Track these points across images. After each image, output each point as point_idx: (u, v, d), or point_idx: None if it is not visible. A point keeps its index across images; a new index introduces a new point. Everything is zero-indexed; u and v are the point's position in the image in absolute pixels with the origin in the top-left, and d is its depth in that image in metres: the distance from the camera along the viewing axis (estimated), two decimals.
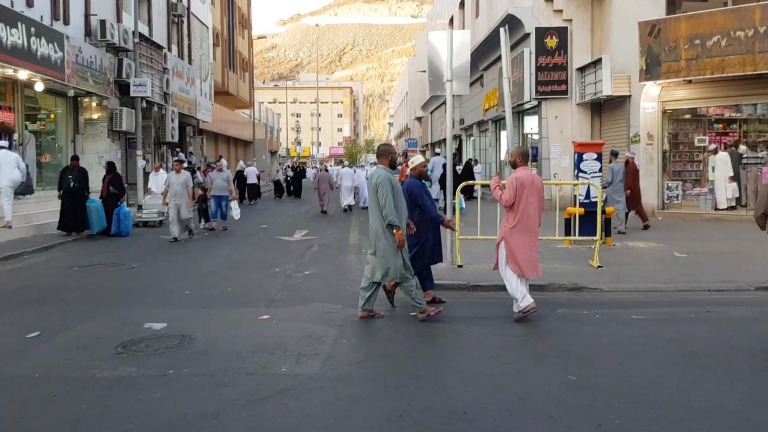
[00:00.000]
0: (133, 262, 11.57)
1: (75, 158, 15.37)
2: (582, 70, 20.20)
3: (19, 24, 14.61)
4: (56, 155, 19.62)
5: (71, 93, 17.88)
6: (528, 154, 7.51)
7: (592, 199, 12.14)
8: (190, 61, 29.73)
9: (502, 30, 10.76)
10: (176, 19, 28.04)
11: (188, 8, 29.32)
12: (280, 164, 64.82)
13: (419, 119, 55.71)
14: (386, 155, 7.28)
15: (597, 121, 20.87)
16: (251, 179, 28.65)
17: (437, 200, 21.56)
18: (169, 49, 26.59)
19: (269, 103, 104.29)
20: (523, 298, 7.06)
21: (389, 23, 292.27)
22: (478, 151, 30.95)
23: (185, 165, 19.68)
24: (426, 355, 5.89)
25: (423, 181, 7.92)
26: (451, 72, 10.06)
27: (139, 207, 19.23)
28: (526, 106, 22.54)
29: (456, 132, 35.04)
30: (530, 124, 23.81)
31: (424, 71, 51.27)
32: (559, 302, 8.02)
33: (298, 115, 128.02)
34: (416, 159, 7.96)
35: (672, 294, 8.47)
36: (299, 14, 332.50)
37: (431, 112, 46.82)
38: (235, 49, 45.75)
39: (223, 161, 27.28)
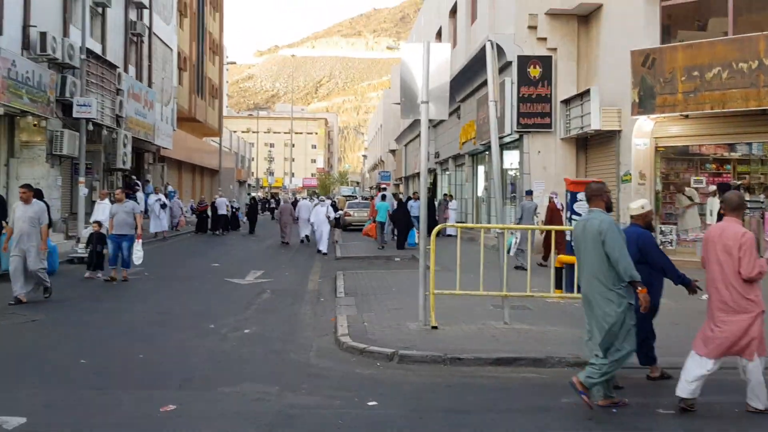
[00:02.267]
0: (37, 312, 9.56)
1: None
2: (567, 102, 18.79)
3: None
4: None
5: (0, 111, 15.89)
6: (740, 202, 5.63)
7: None
8: (149, 84, 27.86)
9: (488, 45, 9.17)
10: (135, 38, 26.24)
11: (150, 27, 27.55)
12: (248, 194, 62.94)
13: (393, 152, 54.33)
14: (600, 195, 5.68)
15: (583, 157, 19.41)
16: (221, 210, 28.15)
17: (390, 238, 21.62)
18: (126, 70, 24.73)
19: (243, 132, 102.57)
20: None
21: (366, 57, 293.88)
22: (454, 186, 29.40)
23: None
24: None
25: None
26: (427, 93, 8.39)
27: (78, 240, 17.17)
28: (507, 139, 21.02)
29: (431, 166, 33.52)
30: (510, 158, 22.29)
31: (398, 103, 50.12)
32: (562, 385, 6.25)
33: (271, 145, 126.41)
34: (641, 203, 6.53)
35: None
36: (277, 46, 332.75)
37: (405, 145, 45.39)
38: (205, 74, 44.06)
39: (151, 185, 25.85)
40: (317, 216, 20.75)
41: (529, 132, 19.18)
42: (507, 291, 8.35)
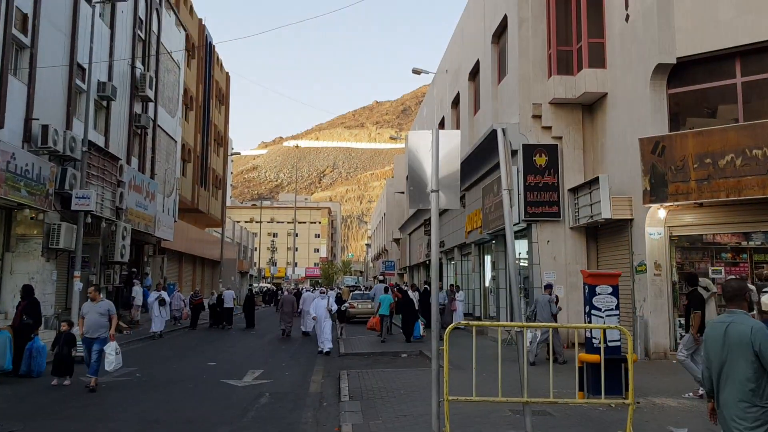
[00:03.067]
0: (14, 422, 8.75)
1: None
2: (575, 191, 18.43)
3: None
4: None
5: None
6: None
7: (610, 344, 9.77)
8: (152, 175, 27.76)
9: (499, 131, 8.78)
10: (139, 131, 26.32)
11: (154, 120, 27.75)
12: (250, 285, 62.18)
13: (397, 241, 53.95)
14: (743, 294, 4.85)
15: (593, 246, 18.86)
16: (228, 303, 27.52)
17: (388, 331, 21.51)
18: (129, 162, 24.67)
19: (246, 222, 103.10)
20: None
21: (368, 147, 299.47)
22: (460, 276, 28.72)
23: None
24: None
25: None
26: (437, 181, 7.92)
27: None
28: (514, 228, 20.55)
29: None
30: (518, 248, 21.76)
31: (402, 192, 49.86)
32: None
33: (274, 235, 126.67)
34: None
35: None
36: (281, 137, 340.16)
37: (409, 234, 45.01)
38: (209, 165, 44.33)
39: (150, 278, 24.98)
40: (318, 310, 18.43)
41: (537, 221, 18.73)
42: (528, 396, 7.57)
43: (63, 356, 12.15)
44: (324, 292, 19.08)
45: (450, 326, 7.84)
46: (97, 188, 20.17)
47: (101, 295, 16.84)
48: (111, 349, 11.69)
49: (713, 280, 15.43)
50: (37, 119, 17.31)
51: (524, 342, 7.78)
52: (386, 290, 23.29)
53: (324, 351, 17.26)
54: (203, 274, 47.31)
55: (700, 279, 15.46)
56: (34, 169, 16.72)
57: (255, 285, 67.03)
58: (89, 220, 19.40)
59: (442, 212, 29.56)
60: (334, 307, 18.71)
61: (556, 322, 15.02)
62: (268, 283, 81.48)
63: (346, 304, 25.90)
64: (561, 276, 18.27)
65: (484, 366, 8.01)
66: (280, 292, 52.37)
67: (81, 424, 8.75)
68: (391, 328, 21.85)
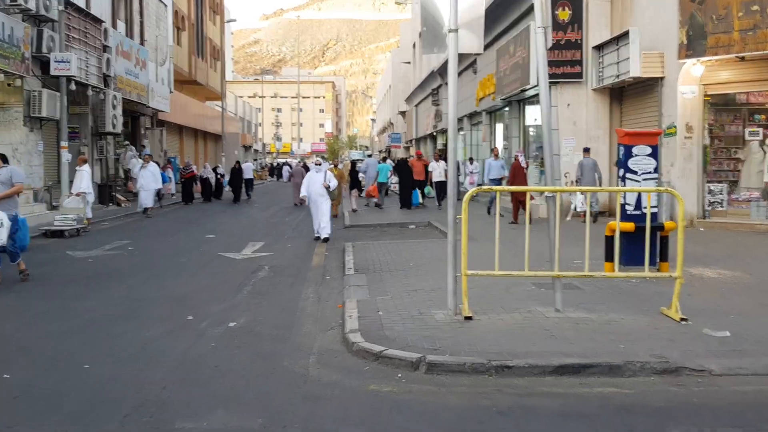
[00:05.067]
0: None
1: None
2: (600, 48, 16.75)
3: None
4: None
5: None
6: None
7: (644, 210, 8.70)
8: (142, 41, 25.92)
9: None
10: None
11: None
12: (256, 160, 61.36)
13: (403, 113, 52.16)
14: None
15: (617, 109, 17.44)
16: (248, 174, 28.38)
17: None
18: (114, 26, 22.83)
19: (249, 97, 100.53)
20: None
21: (373, 19, 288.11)
22: (470, 147, 27.47)
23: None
24: None
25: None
26: (456, 17, 6.54)
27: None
28: (530, 92, 19.03)
29: (443, 126, 31.55)
30: (534, 114, 20.33)
31: (409, 62, 47.40)
32: (655, 408, 4.53)
33: (278, 110, 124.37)
34: None
35: None
36: (282, 9, 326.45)
37: (416, 105, 43.26)
38: (205, 35, 41.97)
39: (148, 149, 23.88)
40: (311, 186, 13.86)
41: (558, 83, 17.19)
42: (559, 270, 6.60)
43: None
44: (319, 164, 14.47)
45: (470, 191, 6.74)
46: (80, 52, 18.58)
47: (85, 166, 15.90)
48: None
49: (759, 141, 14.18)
50: None
51: (555, 209, 6.71)
52: (384, 160, 25.27)
53: (321, 237, 13.60)
54: (206, 148, 46.18)
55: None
56: (5, 30, 15.13)
57: (259, 160, 66.11)
58: (73, 87, 17.98)
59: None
60: (333, 183, 14.02)
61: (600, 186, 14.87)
62: (273, 158, 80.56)
63: (362, 176, 23.64)
64: (581, 142, 17.01)
65: (501, 240, 6.92)
66: (286, 166, 52.25)
67: (58, 302, 7.92)
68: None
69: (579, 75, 17.15)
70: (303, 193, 13.96)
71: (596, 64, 16.89)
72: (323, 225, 13.63)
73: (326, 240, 13.39)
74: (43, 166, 18.01)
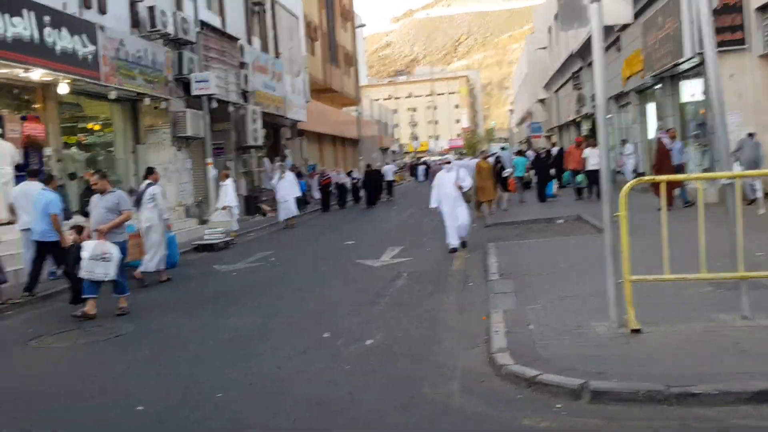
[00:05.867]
0: (132, 320, 8.06)
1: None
2: (765, 9, 14.77)
3: (24, 12, 11.65)
4: (116, 171, 16.93)
5: (113, 95, 14.93)
6: None
7: None
8: (276, 55, 26.62)
9: None
10: (257, 8, 24.97)
11: None
12: (394, 161, 61.80)
13: (542, 101, 50.18)
14: None
15: None
16: (388, 176, 28.95)
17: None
18: (249, 42, 23.56)
19: (384, 99, 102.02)
20: None
21: (504, 8, 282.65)
22: (617, 131, 25.59)
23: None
24: None
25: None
26: None
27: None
28: (684, 66, 17.22)
29: (588, 110, 29.75)
30: (691, 89, 18.41)
31: (544, 47, 45.42)
32: None
33: (414, 110, 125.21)
34: None
35: None
36: (411, 9, 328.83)
37: (555, 92, 41.34)
38: (337, 43, 42.71)
39: (290, 160, 24.25)
40: (442, 189, 11.97)
41: (717, 51, 15.33)
42: (745, 270, 5.52)
43: (72, 275, 8.62)
44: (448, 163, 12.68)
45: (628, 184, 5.83)
46: (218, 71, 19.27)
47: (228, 180, 16.31)
48: (110, 250, 8.21)
49: None
50: (142, 0, 16.28)
51: (735, 198, 5.63)
52: (519, 153, 24.52)
53: (452, 247, 11.67)
54: (345, 153, 47.01)
55: None
56: (147, 55, 15.90)
57: (395, 161, 66.57)
58: (214, 104, 18.68)
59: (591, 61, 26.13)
60: (467, 183, 12.07)
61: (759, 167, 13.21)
62: (413, 158, 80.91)
63: (508, 171, 21.33)
64: (748, 116, 15.09)
65: (657, 233, 5.86)
66: (421, 165, 52.30)
67: (200, 322, 7.90)
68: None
69: (741, 41, 15.21)
70: (433, 203, 12.04)
71: (761, 27, 14.90)
72: (453, 232, 11.69)
73: (464, 245, 11.87)
74: (192, 182, 18.82)
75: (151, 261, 10.75)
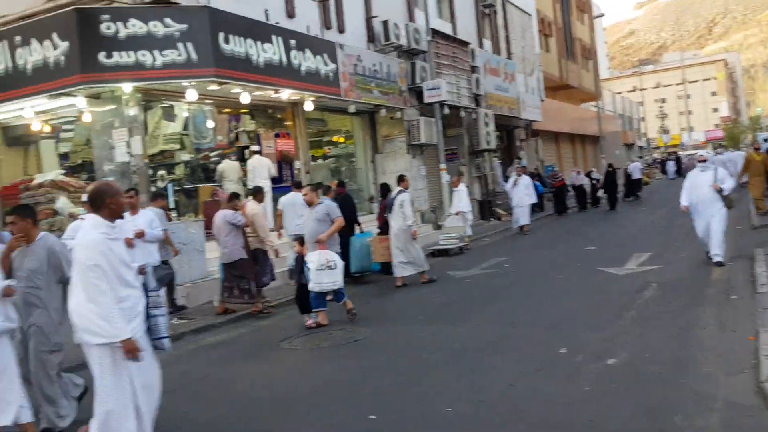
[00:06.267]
0: (370, 324, 8.19)
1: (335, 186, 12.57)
2: None
3: (273, 38, 12.69)
4: (357, 180, 17.89)
5: (352, 108, 15.71)
6: None
7: None
8: (509, 55, 26.16)
9: None
10: (487, 11, 24.76)
11: None
12: (640, 157, 57.68)
13: None
14: None
15: None
16: (636, 175, 27.18)
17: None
18: (480, 45, 23.43)
19: (628, 92, 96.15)
20: None
21: None
22: None
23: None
24: None
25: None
26: None
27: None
28: None
29: None
30: None
31: None
32: None
33: (662, 101, 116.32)
34: None
35: None
36: None
37: None
38: (574, 36, 41.00)
39: (525, 161, 23.31)
40: (696, 190, 10.15)
41: None
42: None
43: (302, 285, 8.50)
44: (704, 161, 10.50)
45: None
46: (449, 77, 19.39)
47: (461, 186, 16.24)
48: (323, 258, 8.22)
49: None
50: (376, 16, 16.93)
51: None
52: None
53: (714, 261, 9.66)
54: (585, 151, 44.87)
55: None
56: (382, 68, 16.47)
57: (642, 157, 61.97)
58: (446, 111, 18.82)
59: None
60: (728, 185, 9.78)
61: None
62: (660, 153, 74.91)
63: None
64: None
65: None
66: (670, 161, 47.86)
67: (433, 329, 7.82)
68: None
69: None
70: (683, 202, 10.36)
71: None
72: (714, 246, 9.68)
73: (720, 264, 9.55)
74: (426, 189, 19.16)
75: (404, 268, 11.04)
